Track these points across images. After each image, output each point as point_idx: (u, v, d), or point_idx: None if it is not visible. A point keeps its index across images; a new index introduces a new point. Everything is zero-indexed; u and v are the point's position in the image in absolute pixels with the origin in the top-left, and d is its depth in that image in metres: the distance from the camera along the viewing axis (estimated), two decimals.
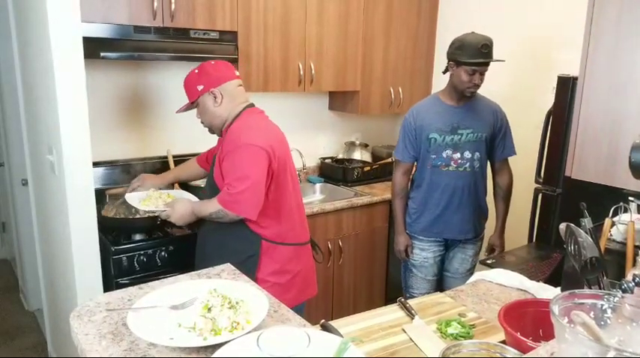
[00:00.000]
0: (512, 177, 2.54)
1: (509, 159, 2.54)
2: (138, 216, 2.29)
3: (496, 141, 2.46)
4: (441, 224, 2.45)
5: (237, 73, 1.99)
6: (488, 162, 2.52)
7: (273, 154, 1.85)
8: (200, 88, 1.91)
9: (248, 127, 1.87)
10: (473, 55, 2.23)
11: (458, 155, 2.38)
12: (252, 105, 2.00)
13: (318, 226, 2.86)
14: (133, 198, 2.19)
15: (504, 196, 2.54)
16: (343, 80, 3.15)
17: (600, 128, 1.57)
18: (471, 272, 2.54)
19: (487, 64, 2.28)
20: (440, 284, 2.57)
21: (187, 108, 2.02)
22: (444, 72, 2.41)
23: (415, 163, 2.50)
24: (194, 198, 2.15)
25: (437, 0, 3.48)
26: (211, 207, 1.87)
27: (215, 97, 1.92)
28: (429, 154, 2.41)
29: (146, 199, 2.16)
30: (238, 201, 1.82)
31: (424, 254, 2.51)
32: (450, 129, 2.37)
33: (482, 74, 2.29)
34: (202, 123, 2.02)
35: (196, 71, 1.94)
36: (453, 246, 2.53)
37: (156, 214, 2.08)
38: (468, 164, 2.39)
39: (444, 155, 2.38)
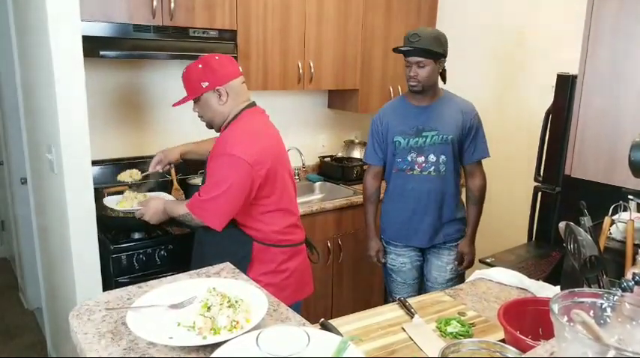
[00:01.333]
0: (484, 181, 2.40)
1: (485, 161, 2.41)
2: (120, 214, 2.25)
3: (466, 143, 2.32)
4: (410, 230, 2.37)
5: (240, 69, 1.95)
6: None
7: (258, 166, 1.79)
8: (205, 84, 1.84)
9: (239, 134, 1.82)
10: (403, 45, 2.19)
11: (422, 158, 2.29)
12: (253, 104, 1.96)
13: (318, 225, 2.86)
14: (111, 201, 2.24)
15: (475, 201, 2.40)
16: (342, 78, 3.15)
17: (600, 126, 1.57)
18: (452, 282, 2.41)
19: (413, 54, 2.17)
20: (423, 289, 2.50)
21: (188, 100, 1.93)
22: None
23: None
24: (169, 197, 2.16)
25: None
26: (181, 208, 1.87)
27: (220, 95, 1.85)
28: (394, 158, 2.34)
29: (122, 201, 2.22)
30: (204, 208, 1.80)
31: (401, 259, 2.44)
32: (414, 132, 2.28)
33: (421, 67, 2.18)
34: (201, 117, 1.96)
35: (200, 66, 1.85)
36: (428, 251, 2.44)
37: (132, 212, 2.12)
38: (432, 168, 2.29)
39: (409, 158, 2.30)
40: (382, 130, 2.37)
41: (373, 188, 2.46)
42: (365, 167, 3.32)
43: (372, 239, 2.49)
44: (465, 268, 2.44)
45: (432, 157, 2.28)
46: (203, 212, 1.81)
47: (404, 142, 2.30)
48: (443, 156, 2.29)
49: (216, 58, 1.88)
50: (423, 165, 2.29)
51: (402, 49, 2.18)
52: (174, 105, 1.97)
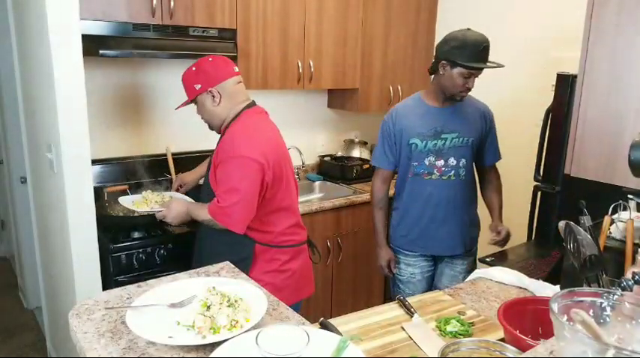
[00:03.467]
0: (500, 180, 2.36)
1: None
2: (137, 214, 2.29)
3: (486, 146, 2.26)
4: (427, 239, 2.24)
5: (237, 69, 1.94)
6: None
7: (267, 165, 1.80)
8: (198, 87, 1.86)
9: (244, 134, 1.83)
10: (473, 57, 2.01)
11: (441, 162, 2.16)
12: (252, 104, 1.96)
13: (317, 224, 2.86)
14: (127, 200, 2.25)
15: (497, 189, 2.33)
16: (342, 78, 3.15)
17: (599, 126, 1.57)
18: None
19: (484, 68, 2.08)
20: None
21: (187, 103, 1.98)
22: (432, 72, 2.17)
23: (396, 170, 2.29)
24: (189, 200, 2.17)
25: None
26: (203, 214, 1.87)
27: (213, 97, 1.87)
28: (409, 161, 2.20)
29: (140, 201, 2.23)
30: (227, 214, 1.80)
31: (410, 269, 2.30)
32: (432, 134, 2.15)
33: (477, 77, 2.11)
34: (203, 119, 1.99)
35: (193, 69, 1.88)
36: (440, 261, 2.32)
37: (153, 213, 2.11)
38: (453, 172, 2.17)
39: (427, 162, 2.17)
40: (395, 132, 2.21)
41: (382, 193, 2.31)
42: (365, 166, 3.37)
43: (382, 247, 2.33)
44: (505, 241, 2.26)
45: (452, 161, 2.17)
46: (226, 218, 1.81)
47: (421, 145, 2.16)
48: (463, 160, 2.19)
49: (210, 59, 1.89)
50: (443, 169, 2.18)
51: (484, 66, 2.05)
52: (176, 108, 2.04)
